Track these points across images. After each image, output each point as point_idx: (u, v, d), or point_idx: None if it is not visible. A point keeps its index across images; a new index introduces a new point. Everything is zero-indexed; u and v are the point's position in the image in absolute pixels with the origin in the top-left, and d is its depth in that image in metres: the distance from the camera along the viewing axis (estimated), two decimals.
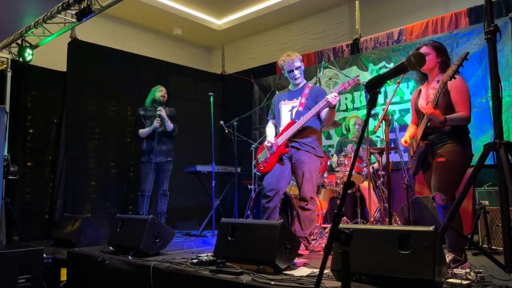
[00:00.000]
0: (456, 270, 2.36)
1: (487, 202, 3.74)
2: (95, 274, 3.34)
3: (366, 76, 5.53)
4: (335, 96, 3.28)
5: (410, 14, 5.67)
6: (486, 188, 3.90)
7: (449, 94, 2.75)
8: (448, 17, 5.04)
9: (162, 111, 4.87)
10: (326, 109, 3.43)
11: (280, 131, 3.63)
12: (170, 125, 4.95)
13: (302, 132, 3.52)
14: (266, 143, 3.65)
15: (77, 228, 4.04)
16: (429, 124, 2.81)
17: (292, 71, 3.61)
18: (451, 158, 2.71)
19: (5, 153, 4.88)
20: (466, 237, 2.63)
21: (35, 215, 5.37)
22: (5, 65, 5.36)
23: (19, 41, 5.19)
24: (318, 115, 3.53)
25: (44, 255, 3.63)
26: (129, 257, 3.18)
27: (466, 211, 4.32)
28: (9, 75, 5.26)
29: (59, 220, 5.02)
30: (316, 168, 3.56)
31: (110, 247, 3.54)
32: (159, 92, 5.07)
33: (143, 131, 4.93)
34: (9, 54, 5.39)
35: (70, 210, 5.13)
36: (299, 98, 3.60)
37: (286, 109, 3.66)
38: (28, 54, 5.15)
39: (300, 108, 3.55)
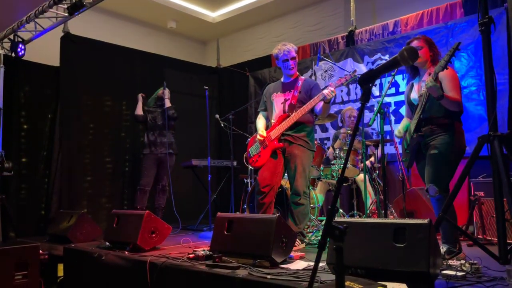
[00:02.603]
0: (451, 262, 2.38)
1: (482, 193, 3.76)
2: (92, 269, 3.34)
3: (361, 68, 5.52)
4: (331, 90, 3.24)
5: (405, 5, 5.64)
6: (481, 179, 3.91)
7: (440, 83, 2.76)
8: (443, 8, 5.02)
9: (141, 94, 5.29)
10: (321, 103, 3.40)
11: (273, 124, 3.60)
12: (168, 103, 5.18)
13: (295, 125, 3.49)
14: (258, 136, 3.61)
15: (73, 224, 4.04)
16: (422, 116, 2.82)
17: (287, 60, 3.57)
18: (444, 150, 2.73)
19: (0, 149, 4.86)
20: (461, 228, 2.65)
21: (31, 211, 5.36)
22: None
23: (11, 37, 5.14)
24: (311, 108, 3.50)
25: (41, 251, 3.62)
26: (126, 252, 3.18)
27: (461, 202, 4.34)
28: (1, 70, 5.23)
29: (55, 216, 5.01)
30: (309, 162, 3.54)
31: (107, 243, 3.54)
32: (160, 90, 5.30)
33: (137, 109, 5.26)
34: (2, 49, 5.34)
35: (65, 206, 5.13)
36: (292, 91, 3.57)
37: (279, 101, 3.62)
38: (21, 49, 5.10)
39: (293, 101, 3.52)
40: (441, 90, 2.64)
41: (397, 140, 4.84)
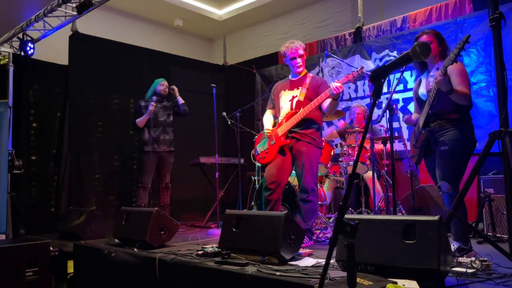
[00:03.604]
0: (461, 259, 2.37)
1: (491, 190, 3.73)
2: (102, 266, 3.37)
3: (369, 65, 5.49)
4: (338, 86, 3.20)
5: (414, 1, 5.59)
6: (491, 176, 3.88)
7: (449, 78, 2.74)
8: (452, 4, 4.98)
9: (153, 105, 4.89)
10: (329, 100, 3.37)
11: (280, 121, 3.59)
12: (181, 99, 5.10)
13: (303, 122, 3.48)
14: (265, 131, 3.60)
15: (83, 221, 4.07)
16: (430, 111, 2.80)
17: (295, 58, 3.56)
18: (454, 146, 2.71)
19: (10, 147, 4.90)
20: (471, 225, 2.64)
21: (41, 208, 5.41)
22: (7, 60, 5.36)
23: (20, 35, 5.17)
24: (319, 105, 3.49)
25: (51, 248, 3.66)
26: (135, 249, 3.20)
27: (471, 199, 4.31)
28: (11, 69, 5.26)
29: (65, 213, 5.06)
30: (316, 158, 3.53)
31: (116, 240, 3.57)
32: (161, 86, 5.10)
33: (139, 119, 4.95)
34: (11, 48, 5.38)
35: (75, 203, 5.17)
36: (300, 88, 3.57)
37: (286, 98, 3.61)
38: (29, 48, 5.14)
39: (301, 98, 3.51)
40: (450, 84, 2.62)
41: (406, 137, 4.81)
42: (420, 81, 3.00)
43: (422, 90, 2.93)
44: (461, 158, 2.72)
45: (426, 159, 2.96)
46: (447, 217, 2.37)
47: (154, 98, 4.97)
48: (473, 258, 2.31)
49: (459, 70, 2.75)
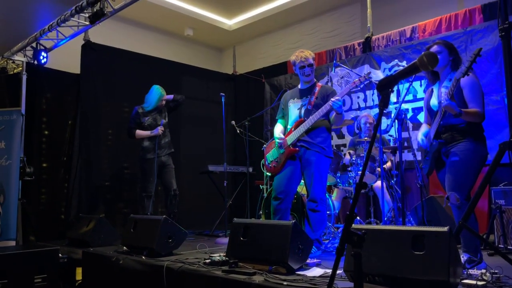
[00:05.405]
0: (471, 271, 2.34)
1: (503, 202, 3.68)
2: (110, 273, 3.38)
3: (378, 75, 5.49)
4: (336, 99, 3.26)
5: (423, 11, 5.61)
6: (501, 187, 3.83)
7: (462, 91, 2.72)
8: (462, 14, 4.97)
9: (161, 130, 4.78)
10: (334, 113, 3.40)
11: (289, 130, 3.60)
12: (171, 96, 4.99)
13: (312, 131, 3.48)
14: (277, 140, 3.60)
15: (92, 229, 4.10)
16: (442, 122, 2.78)
17: (304, 67, 3.58)
18: (465, 157, 2.67)
19: (21, 154, 4.97)
20: (481, 237, 2.59)
21: (51, 215, 5.46)
22: (20, 68, 5.47)
23: (34, 44, 5.28)
24: (327, 115, 3.50)
25: (60, 255, 3.68)
26: (143, 257, 3.21)
27: (482, 210, 4.26)
28: (24, 78, 5.36)
29: (74, 220, 5.09)
30: (325, 168, 3.52)
31: (124, 247, 3.58)
32: (161, 102, 4.90)
33: (141, 133, 4.81)
34: (24, 57, 5.48)
35: (84, 210, 5.20)
36: (309, 96, 3.58)
37: (295, 107, 3.62)
38: (43, 57, 5.23)
39: (310, 107, 3.52)
40: (457, 107, 2.60)
41: (415, 147, 4.78)
42: (432, 91, 2.98)
43: (434, 101, 2.91)
44: (471, 169, 2.69)
45: (438, 171, 2.92)
46: (457, 228, 2.34)
47: (164, 122, 4.84)
48: (483, 270, 2.27)
49: (472, 84, 2.71)
